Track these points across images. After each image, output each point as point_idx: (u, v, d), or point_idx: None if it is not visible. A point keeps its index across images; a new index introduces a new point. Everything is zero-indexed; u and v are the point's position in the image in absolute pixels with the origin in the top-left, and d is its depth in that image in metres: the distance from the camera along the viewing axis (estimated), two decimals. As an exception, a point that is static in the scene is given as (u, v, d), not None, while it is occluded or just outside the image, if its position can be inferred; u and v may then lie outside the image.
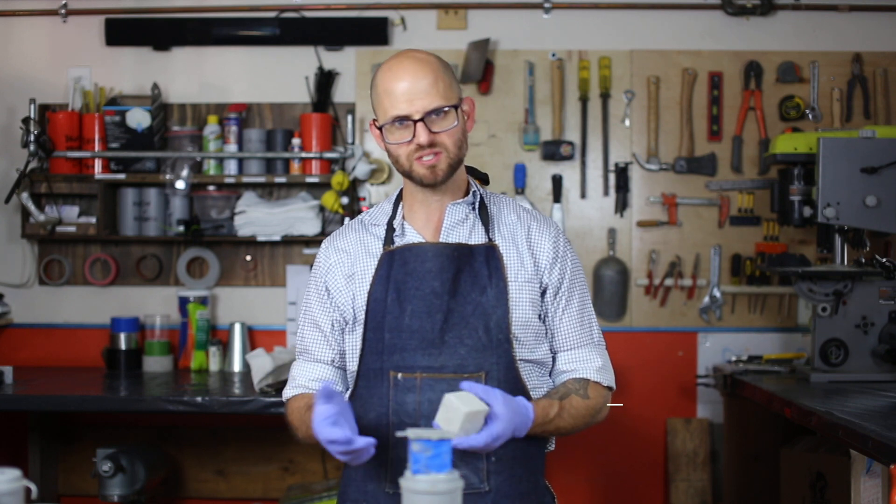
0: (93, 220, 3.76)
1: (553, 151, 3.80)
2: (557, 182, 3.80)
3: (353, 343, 1.95)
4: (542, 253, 1.96)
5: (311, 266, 2.07)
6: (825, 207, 3.11)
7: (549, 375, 1.99)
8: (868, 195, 3.08)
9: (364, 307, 1.91)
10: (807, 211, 3.25)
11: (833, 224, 3.14)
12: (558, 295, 1.96)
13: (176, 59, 3.90)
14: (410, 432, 1.51)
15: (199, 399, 3.12)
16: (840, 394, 2.87)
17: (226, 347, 3.79)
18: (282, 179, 3.74)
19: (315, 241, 3.74)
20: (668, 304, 3.83)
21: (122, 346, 3.71)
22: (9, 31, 3.93)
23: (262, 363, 3.19)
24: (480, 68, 3.71)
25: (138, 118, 3.74)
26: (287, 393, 2.00)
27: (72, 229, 3.76)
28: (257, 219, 3.70)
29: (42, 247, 3.91)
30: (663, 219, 3.82)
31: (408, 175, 1.91)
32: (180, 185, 3.70)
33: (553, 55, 3.83)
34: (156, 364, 3.71)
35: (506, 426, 1.73)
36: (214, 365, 3.72)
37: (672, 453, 3.77)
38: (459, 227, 1.95)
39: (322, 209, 3.74)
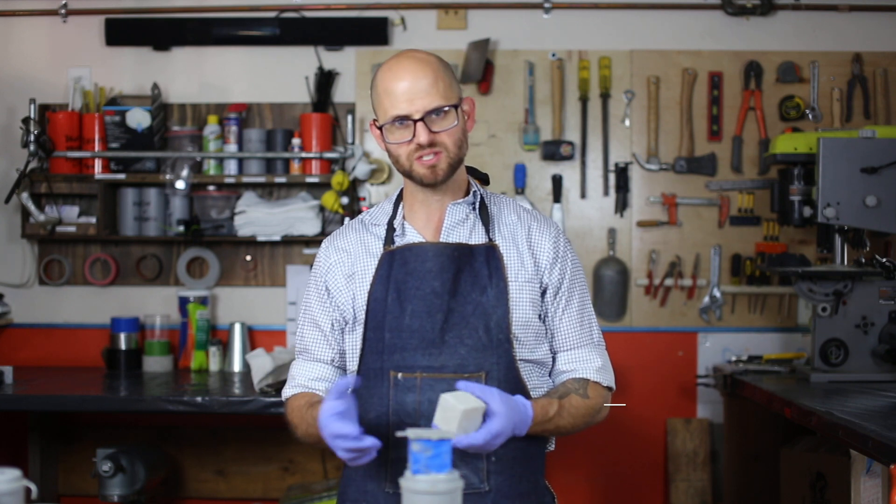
0: (93, 220, 3.76)
1: (553, 151, 3.80)
2: (557, 182, 3.80)
3: (354, 343, 1.95)
4: (543, 253, 1.96)
5: (311, 266, 2.07)
6: (825, 207, 3.11)
7: (549, 375, 1.99)
8: (868, 195, 3.08)
9: (364, 307, 1.92)
10: (807, 211, 3.25)
11: (833, 224, 3.14)
12: (558, 295, 1.96)
13: (176, 59, 3.90)
14: (410, 432, 1.51)
15: (199, 399, 3.12)
16: (840, 394, 2.87)
17: (226, 347, 3.79)
18: (282, 179, 3.74)
19: (315, 241, 3.74)
20: (668, 304, 3.83)
21: (122, 346, 3.71)
22: (9, 31, 3.93)
23: (262, 363, 3.19)
24: (480, 68, 3.71)
25: (138, 118, 3.74)
26: (286, 392, 2.00)
27: (72, 229, 3.76)
28: (257, 219, 3.70)
29: (42, 247, 3.91)
30: (663, 219, 3.82)
31: (408, 175, 1.91)
32: (180, 185, 3.70)
33: (553, 55, 3.83)
34: (156, 364, 3.71)
35: (504, 423, 1.73)
36: (214, 365, 3.72)
37: (672, 453, 3.77)
38: (460, 227, 1.95)
39: (322, 209, 3.74)
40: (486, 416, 1.73)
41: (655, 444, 3.83)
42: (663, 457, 3.83)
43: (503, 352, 1.88)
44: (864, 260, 3.20)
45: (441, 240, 1.94)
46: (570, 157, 3.81)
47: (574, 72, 3.84)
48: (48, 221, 3.71)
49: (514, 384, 1.88)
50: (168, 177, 3.72)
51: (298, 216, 3.70)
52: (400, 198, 2.01)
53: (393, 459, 1.85)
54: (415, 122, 1.85)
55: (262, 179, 3.75)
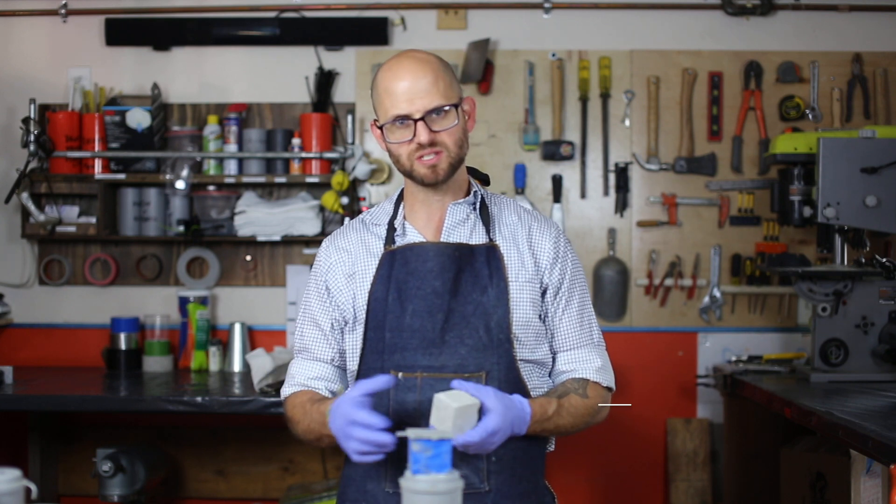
0: (93, 220, 3.76)
1: (553, 151, 3.80)
2: (557, 182, 3.80)
3: (354, 342, 1.95)
4: (543, 253, 1.96)
5: (312, 266, 2.07)
6: (825, 207, 3.11)
7: (549, 376, 1.99)
8: (868, 195, 3.08)
9: (365, 306, 1.92)
10: (807, 211, 3.25)
11: (833, 224, 3.14)
12: (558, 295, 1.96)
13: (176, 59, 3.90)
14: (410, 432, 1.51)
15: (199, 399, 3.12)
16: (840, 394, 2.87)
17: (226, 347, 3.79)
18: (282, 179, 3.74)
19: (315, 241, 3.74)
20: (668, 304, 3.83)
21: (122, 346, 3.71)
22: (9, 31, 3.93)
23: (262, 363, 3.19)
24: (480, 68, 3.71)
25: (138, 118, 3.74)
26: (286, 390, 2.00)
27: (72, 229, 3.76)
28: (257, 219, 3.70)
29: (42, 247, 3.91)
30: (663, 219, 3.82)
31: (409, 175, 1.92)
32: (180, 185, 3.70)
33: (553, 55, 3.83)
34: (156, 364, 3.71)
35: (500, 420, 1.73)
36: (214, 365, 3.72)
37: (672, 453, 3.77)
38: (460, 227, 1.95)
39: (322, 209, 3.74)
40: (481, 413, 1.73)
41: (655, 444, 3.83)
42: (663, 457, 3.83)
43: (503, 352, 1.88)
44: (864, 260, 3.20)
45: (442, 240, 1.94)
46: (570, 157, 3.81)
47: (574, 72, 3.84)
48: (48, 221, 3.71)
49: (514, 384, 1.88)
50: (168, 177, 3.72)
51: (298, 216, 3.70)
52: (401, 198, 2.01)
53: (393, 459, 1.85)
54: (415, 121, 1.85)
55: (262, 179, 3.75)
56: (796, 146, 3.26)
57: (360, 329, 1.93)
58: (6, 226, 3.90)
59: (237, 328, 3.77)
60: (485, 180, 2.07)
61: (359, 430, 1.69)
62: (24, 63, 3.92)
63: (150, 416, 3.74)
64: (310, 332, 1.99)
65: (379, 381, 1.75)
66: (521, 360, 1.90)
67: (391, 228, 1.96)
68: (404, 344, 1.87)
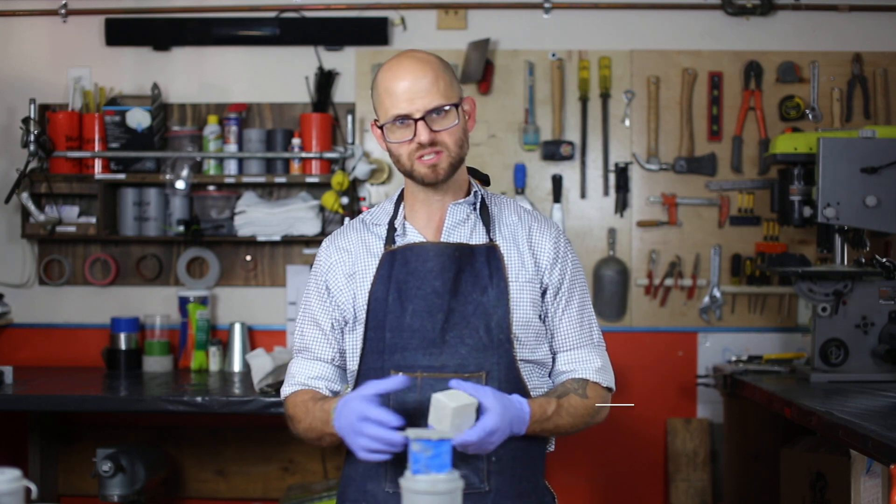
0: (93, 220, 3.76)
1: (553, 151, 3.80)
2: (557, 182, 3.80)
3: (354, 342, 1.95)
4: (543, 253, 1.96)
5: (312, 265, 2.07)
6: (825, 207, 3.11)
7: (549, 376, 1.99)
8: (868, 195, 3.08)
9: (365, 306, 1.92)
10: (807, 211, 3.25)
11: (833, 224, 3.14)
12: (558, 295, 1.96)
13: (176, 59, 3.90)
14: (410, 432, 1.51)
15: (199, 399, 3.12)
16: (840, 394, 2.87)
17: (226, 347, 3.79)
18: (282, 179, 3.74)
19: (315, 241, 3.74)
20: (668, 304, 3.83)
21: (122, 346, 3.71)
22: (9, 31, 3.93)
23: (262, 363, 3.19)
24: (480, 68, 3.71)
25: (138, 118, 3.74)
26: (286, 390, 2.00)
27: (72, 229, 3.76)
28: (257, 219, 3.70)
29: (42, 247, 3.91)
30: (663, 219, 3.82)
31: (409, 174, 1.92)
32: (180, 185, 3.70)
33: (553, 55, 3.83)
34: (156, 364, 3.71)
35: (498, 420, 1.73)
36: (214, 365, 3.72)
37: (672, 453, 3.77)
38: (460, 227, 1.96)
39: (322, 209, 3.74)
40: (479, 412, 1.73)
41: (655, 444, 3.83)
42: (663, 457, 3.83)
43: (504, 352, 1.88)
44: (864, 260, 3.20)
45: (442, 240, 1.94)
46: (570, 157, 3.81)
47: (574, 72, 3.84)
48: (48, 221, 3.71)
49: (514, 384, 1.88)
50: (168, 177, 3.72)
51: (298, 216, 3.70)
52: (401, 198, 2.02)
53: (393, 459, 1.84)
54: (415, 121, 1.85)
55: (262, 179, 3.75)
56: (796, 146, 3.26)
57: (360, 329, 1.93)
58: (6, 226, 3.90)
59: (237, 328, 3.77)
60: (485, 180, 2.07)
61: (371, 426, 1.69)
62: (24, 63, 3.92)
63: (150, 416, 3.74)
64: (310, 331, 1.99)
65: (393, 382, 1.75)
66: (521, 360, 1.90)
67: (391, 228, 1.97)
68: (404, 344, 1.87)
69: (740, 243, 3.81)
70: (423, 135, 1.85)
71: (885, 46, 3.80)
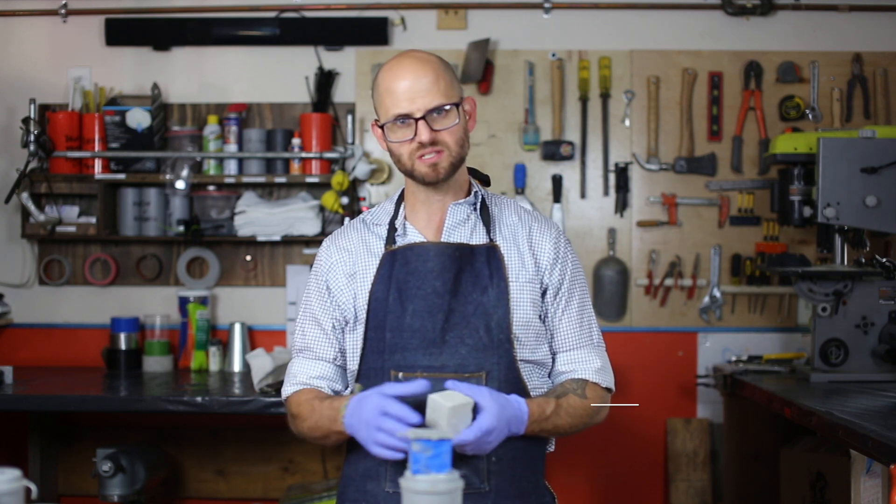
0: (93, 220, 3.76)
1: (553, 151, 3.80)
2: (557, 182, 3.80)
3: (354, 342, 1.95)
4: (543, 254, 1.96)
5: (312, 265, 2.07)
6: (825, 207, 3.11)
7: (549, 376, 1.99)
8: (868, 195, 3.08)
9: (365, 306, 1.92)
10: (807, 211, 3.25)
11: (833, 224, 3.14)
12: (558, 296, 1.96)
13: (176, 59, 3.90)
14: (410, 432, 1.51)
15: (199, 399, 3.12)
16: (840, 394, 2.87)
17: (226, 347, 3.79)
18: (282, 179, 3.74)
19: (315, 241, 3.74)
20: (668, 304, 3.83)
21: (122, 346, 3.71)
22: (9, 31, 3.93)
23: (262, 363, 3.19)
24: (480, 68, 3.71)
25: (138, 118, 3.74)
26: (287, 390, 1.99)
27: (72, 229, 3.76)
28: (257, 219, 3.70)
29: (42, 247, 3.91)
30: (663, 219, 3.82)
31: (409, 174, 1.92)
32: (180, 185, 3.70)
33: (553, 55, 3.83)
34: (156, 364, 3.71)
35: (495, 419, 1.73)
36: (214, 365, 3.72)
37: (672, 453, 3.77)
38: (461, 227, 1.96)
39: (322, 209, 3.74)
40: (476, 412, 1.73)
41: (655, 444, 3.83)
42: (663, 457, 3.83)
43: (504, 352, 1.88)
44: (864, 260, 3.20)
45: (442, 240, 1.94)
46: (570, 157, 3.81)
47: (574, 72, 3.84)
48: (48, 221, 3.71)
49: (514, 384, 1.88)
50: (168, 177, 3.72)
51: (298, 216, 3.70)
52: (401, 198, 2.02)
53: (393, 459, 1.85)
54: (416, 120, 1.86)
55: (262, 179, 3.75)
56: (796, 146, 3.26)
57: (360, 329, 1.93)
58: (6, 226, 3.90)
59: (237, 328, 3.77)
60: (485, 181, 2.07)
61: (390, 422, 1.70)
62: (24, 63, 3.92)
63: (150, 416, 3.74)
64: (311, 331, 1.99)
65: (416, 387, 1.75)
66: (521, 360, 1.90)
67: (392, 228, 1.97)
68: (405, 344, 1.88)
69: (740, 243, 3.81)
70: (424, 134, 1.85)
71: (885, 46, 3.80)
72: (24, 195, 3.66)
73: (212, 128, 3.77)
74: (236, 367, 3.75)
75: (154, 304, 3.88)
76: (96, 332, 3.85)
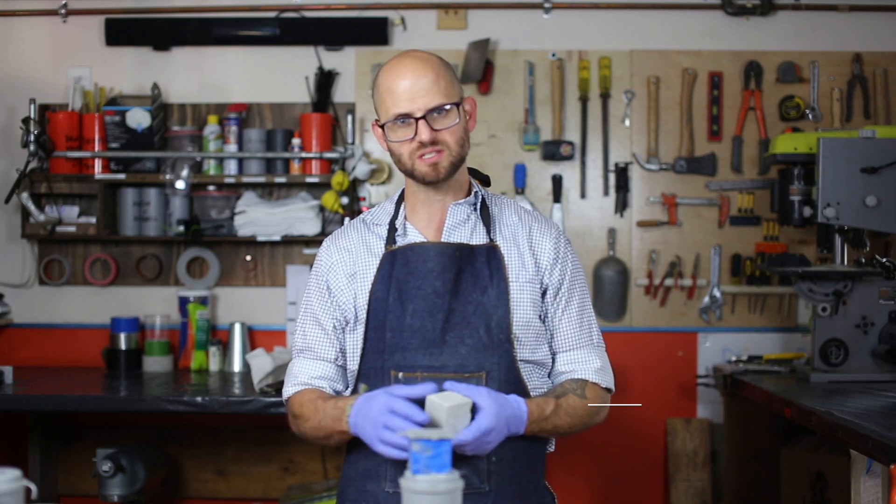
0: (93, 220, 3.76)
1: (553, 151, 3.80)
2: (557, 182, 3.80)
3: (355, 342, 1.95)
4: (543, 254, 1.97)
5: (312, 265, 2.07)
6: (825, 207, 3.11)
7: (549, 376, 1.99)
8: (868, 195, 3.08)
9: (365, 306, 1.92)
10: (807, 211, 3.25)
11: (833, 224, 3.14)
12: (558, 296, 1.96)
13: (176, 59, 3.90)
14: (410, 432, 1.51)
15: (199, 399, 3.12)
16: (840, 394, 2.87)
17: (226, 347, 3.79)
18: (282, 179, 3.74)
19: (315, 241, 3.74)
20: (668, 304, 3.83)
21: (122, 346, 3.71)
22: (9, 31, 3.93)
23: (262, 363, 3.19)
24: (480, 68, 3.71)
25: (138, 118, 3.74)
26: (289, 390, 1.99)
27: (72, 229, 3.76)
28: (257, 219, 3.70)
29: (42, 247, 3.91)
30: (663, 219, 3.82)
31: (410, 174, 1.92)
32: (180, 185, 3.70)
33: (553, 55, 3.83)
34: (156, 364, 3.71)
35: (493, 419, 1.73)
36: (214, 365, 3.72)
37: (672, 453, 3.77)
38: (461, 227, 1.96)
39: (322, 209, 3.74)
40: (474, 412, 1.74)
41: (655, 444, 3.83)
42: (663, 457, 3.83)
43: (504, 352, 1.88)
44: (864, 260, 3.20)
45: (442, 240, 1.94)
46: (570, 157, 3.81)
47: (574, 72, 3.84)
48: (48, 221, 3.71)
49: (514, 384, 1.88)
50: (168, 177, 3.72)
51: (298, 216, 3.70)
52: (401, 198, 2.02)
53: (393, 459, 1.84)
54: (416, 120, 1.86)
55: (262, 179, 3.75)
56: (796, 146, 3.26)
57: (360, 329, 1.93)
58: (6, 226, 3.90)
59: (237, 328, 3.77)
60: (485, 181, 2.07)
61: (397, 420, 1.70)
62: (24, 63, 3.92)
63: (150, 416, 3.74)
64: (312, 331, 1.99)
65: (423, 389, 1.75)
66: (521, 360, 1.90)
67: (392, 228, 1.97)
68: (405, 344, 1.88)
69: (740, 243, 3.81)
70: (424, 133, 1.85)
71: (885, 46, 3.80)
72: (24, 195, 3.66)
73: (212, 128, 3.77)
74: (236, 367, 3.75)
75: (154, 304, 3.88)
76: (96, 332, 3.85)
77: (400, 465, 1.64)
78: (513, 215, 2.00)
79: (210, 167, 3.79)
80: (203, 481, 3.87)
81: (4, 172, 3.85)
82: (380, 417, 1.72)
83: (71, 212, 3.80)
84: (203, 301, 3.78)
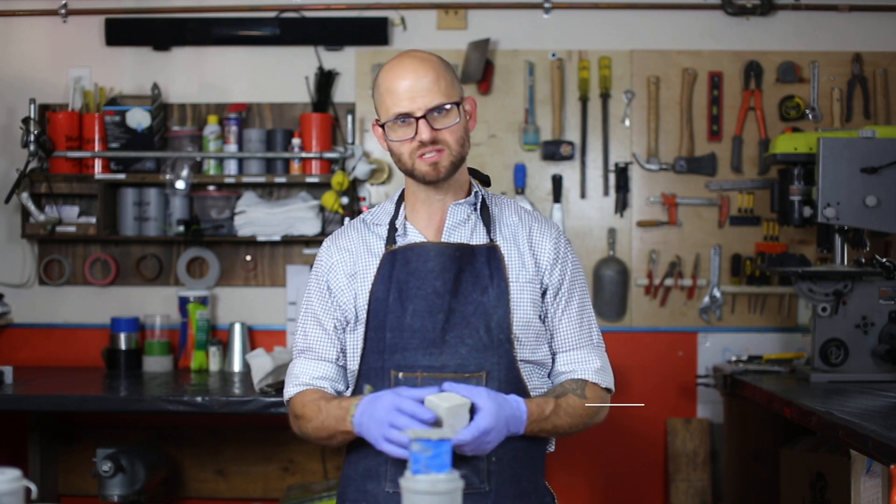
0: (93, 220, 3.76)
1: (553, 151, 3.80)
2: (557, 182, 3.80)
3: (355, 342, 1.95)
4: (543, 254, 1.97)
5: (312, 266, 2.07)
6: (825, 207, 3.11)
7: (549, 376, 1.99)
8: (868, 195, 3.08)
9: (366, 306, 1.92)
10: (807, 211, 3.25)
11: (833, 224, 3.14)
12: (558, 296, 1.96)
13: (176, 59, 3.90)
14: (410, 432, 1.51)
15: (199, 399, 3.11)
16: (840, 394, 2.87)
17: (226, 347, 3.79)
18: (282, 179, 3.74)
19: (315, 241, 3.74)
20: (668, 304, 3.83)
21: (122, 346, 3.71)
22: (9, 31, 3.93)
23: (262, 363, 3.19)
24: (480, 68, 3.71)
25: (138, 118, 3.74)
26: (290, 391, 1.98)
27: (72, 229, 3.76)
28: (257, 219, 3.70)
29: (42, 247, 3.91)
30: (663, 219, 3.82)
31: (410, 173, 1.92)
32: (180, 185, 3.70)
33: (553, 55, 3.83)
34: (156, 364, 3.71)
35: (492, 420, 1.73)
36: (214, 365, 3.72)
37: (672, 453, 3.77)
38: (461, 227, 1.96)
39: (322, 209, 3.74)
40: (473, 413, 1.74)
41: (655, 444, 3.83)
42: (663, 457, 3.83)
43: (504, 352, 1.88)
44: (864, 260, 3.20)
45: (443, 240, 1.94)
46: (570, 157, 3.81)
47: (574, 72, 3.84)
48: (48, 221, 3.71)
49: (514, 384, 1.88)
50: (168, 177, 3.72)
51: (298, 216, 3.70)
52: (401, 198, 2.02)
53: (393, 459, 1.85)
54: (417, 119, 1.86)
55: (262, 179, 3.75)
56: (796, 146, 3.26)
57: (360, 329, 1.93)
58: (6, 226, 3.90)
59: (237, 328, 3.77)
60: (485, 181, 2.07)
61: (404, 418, 1.70)
62: (24, 63, 3.92)
63: (150, 416, 3.74)
64: (313, 331, 1.99)
65: (428, 391, 1.76)
66: (521, 360, 1.90)
67: (392, 228, 1.97)
68: (405, 344, 1.88)
69: (740, 243, 3.81)
70: (425, 132, 1.86)
71: (885, 46, 3.80)
72: (24, 195, 3.66)
73: (212, 128, 3.77)
74: (236, 367, 3.75)
75: (154, 304, 3.88)
76: (96, 332, 3.85)
77: (400, 465, 1.64)
78: (513, 215, 2.00)
79: (210, 167, 3.79)
80: (203, 481, 3.87)
81: (4, 172, 3.85)
82: (386, 416, 1.72)
83: (71, 212, 3.80)
84: (203, 301, 3.78)
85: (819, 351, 3.14)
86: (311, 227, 3.70)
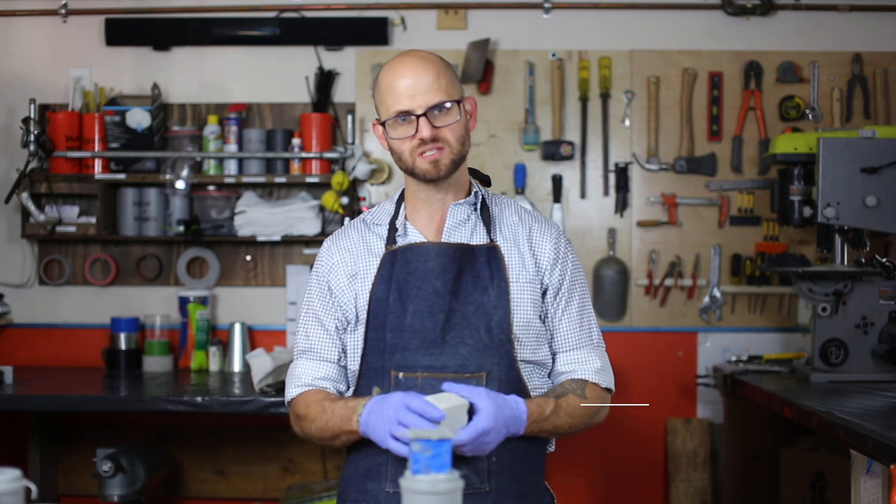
0: (93, 220, 3.76)
1: (553, 151, 3.80)
2: (557, 182, 3.80)
3: (355, 342, 1.95)
4: (544, 254, 1.97)
5: (312, 266, 2.06)
6: (825, 207, 3.11)
7: (549, 376, 1.99)
8: (868, 195, 3.08)
9: (366, 306, 1.92)
10: (807, 211, 3.25)
11: (833, 224, 3.14)
12: (558, 296, 1.96)
13: (176, 59, 3.90)
14: (410, 432, 1.51)
15: (199, 399, 3.11)
16: (840, 394, 2.87)
17: (226, 347, 3.79)
18: (282, 179, 3.74)
19: (315, 241, 3.74)
20: (668, 304, 3.83)
21: (122, 346, 3.71)
22: (9, 31, 3.93)
23: (262, 363, 3.19)
24: (480, 68, 3.71)
25: (138, 118, 3.74)
26: (292, 392, 1.98)
27: (72, 229, 3.76)
28: (257, 219, 3.70)
29: (42, 247, 3.91)
30: (663, 219, 3.82)
31: (410, 172, 1.92)
32: (180, 185, 3.70)
33: (553, 55, 3.83)
34: (156, 364, 3.71)
35: (491, 420, 1.73)
36: (214, 365, 3.72)
37: (672, 453, 3.77)
38: (461, 227, 1.96)
39: (322, 209, 3.74)
40: (472, 413, 1.74)
41: (655, 444, 3.83)
42: (663, 457, 3.83)
43: (504, 352, 1.88)
44: (864, 260, 3.20)
45: (443, 240, 1.94)
46: (570, 157, 3.81)
47: (574, 72, 3.84)
48: (48, 221, 3.71)
49: (514, 385, 1.88)
50: (168, 177, 3.72)
51: (298, 216, 3.70)
52: (401, 198, 2.02)
53: (393, 459, 1.85)
54: (417, 117, 1.86)
55: (262, 179, 3.75)
56: (796, 146, 3.26)
57: (361, 329, 1.93)
58: (6, 226, 3.90)
59: (237, 328, 3.77)
60: (486, 181, 2.07)
61: (413, 416, 1.69)
62: (24, 63, 3.92)
63: (150, 416, 3.74)
64: (315, 332, 1.99)
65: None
66: (521, 360, 1.90)
67: (392, 228, 1.97)
68: (405, 344, 1.88)
69: (740, 243, 3.81)
70: (425, 130, 1.86)
71: (885, 46, 3.80)
72: (24, 195, 3.66)
73: (212, 128, 3.77)
74: (236, 367, 3.75)
75: (154, 304, 3.88)
76: (96, 332, 3.85)
77: (401, 465, 1.64)
78: (513, 215, 2.00)
79: (210, 167, 3.79)
80: (203, 481, 3.87)
81: (4, 172, 3.85)
82: (394, 414, 1.72)
83: (71, 212, 3.80)
84: (203, 301, 3.78)
85: (819, 351, 3.14)
86: (311, 227, 3.70)
